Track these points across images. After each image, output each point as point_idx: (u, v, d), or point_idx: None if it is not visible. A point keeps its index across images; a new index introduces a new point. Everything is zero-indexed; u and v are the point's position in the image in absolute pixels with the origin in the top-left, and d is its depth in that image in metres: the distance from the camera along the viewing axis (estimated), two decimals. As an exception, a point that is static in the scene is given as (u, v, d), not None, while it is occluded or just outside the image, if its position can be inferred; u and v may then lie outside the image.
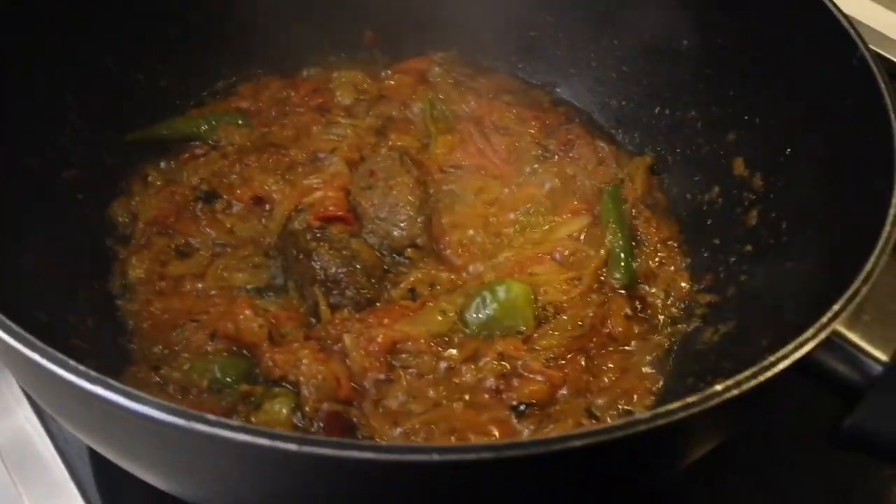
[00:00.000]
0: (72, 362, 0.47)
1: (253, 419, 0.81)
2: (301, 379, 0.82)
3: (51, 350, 0.47)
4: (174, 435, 0.46)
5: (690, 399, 0.51)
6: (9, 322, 0.49)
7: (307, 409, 0.81)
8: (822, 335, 0.57)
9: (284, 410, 0.81)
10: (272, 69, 1.17)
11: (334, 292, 0.90)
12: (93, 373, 0.46)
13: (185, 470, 0.55)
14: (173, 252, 0.96)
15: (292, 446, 0.45)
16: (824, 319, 0.58)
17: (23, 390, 0.89)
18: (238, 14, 1.13)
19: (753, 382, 0.53)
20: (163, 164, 1.04)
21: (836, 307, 0.59)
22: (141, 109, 1.05)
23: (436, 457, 0.45)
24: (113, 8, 1.00)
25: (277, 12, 1.16)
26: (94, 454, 0.86)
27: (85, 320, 0.85)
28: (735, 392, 0.52)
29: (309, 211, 0.97)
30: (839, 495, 0.92)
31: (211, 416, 0.45)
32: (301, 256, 0.92)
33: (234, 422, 0.45)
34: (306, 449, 0.45)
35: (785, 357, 0.55)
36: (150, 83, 1.07)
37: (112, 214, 0.98)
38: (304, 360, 0.83)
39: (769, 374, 0.54)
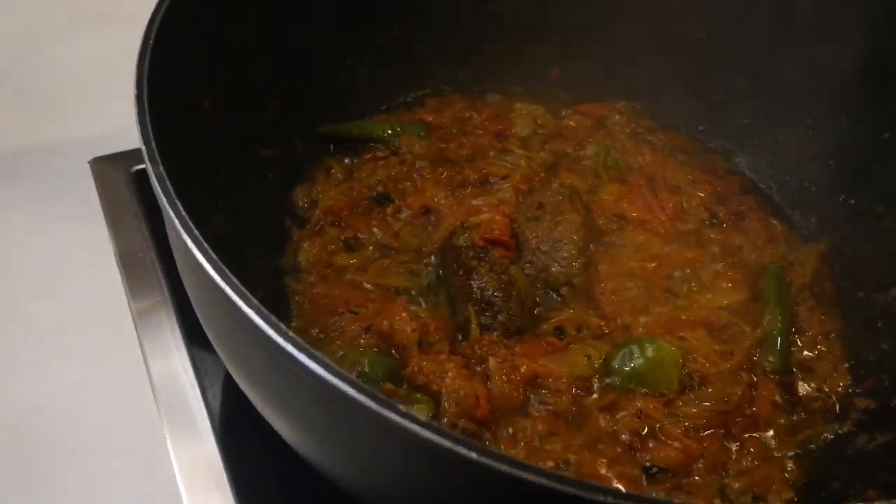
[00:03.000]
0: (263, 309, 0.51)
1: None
2: (444, 391, 0.83)
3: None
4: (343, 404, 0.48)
5: None
6: (212, 253, 0.53)
7: (444, 420, 0.82)
8: None
9: (421, 418, 0.82)
10: (459, 89, 1.21)
11: (486, 313, 0.91)
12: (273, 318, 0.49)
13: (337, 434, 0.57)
14: (342, 243, 1.00)
15: (463, 450, 0.46)
16: None
17: (184, 339, 0.95)
18: (436, 33, 1.18)
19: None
20: (346, 160, 1.09)
21: None
22: (335, 105, 1.10)
23: (611, 499, 0.45)
24: (330, 10, 1.07)
25: (473, 36, 1.21)
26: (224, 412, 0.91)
27: (254, 291, 0.89)
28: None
29: (475, 230, 0.99)
30: None
31: (399, 406, 0.46)
32: (460, 272, 0.94)
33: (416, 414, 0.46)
34: (480, 457, 0.45)
35: None
36: (348, 83, 1.12)
37: (294, 197, 1.04)
38: (450, 373, 0.84)
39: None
